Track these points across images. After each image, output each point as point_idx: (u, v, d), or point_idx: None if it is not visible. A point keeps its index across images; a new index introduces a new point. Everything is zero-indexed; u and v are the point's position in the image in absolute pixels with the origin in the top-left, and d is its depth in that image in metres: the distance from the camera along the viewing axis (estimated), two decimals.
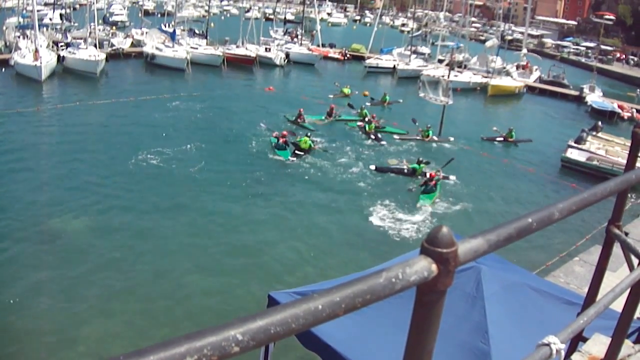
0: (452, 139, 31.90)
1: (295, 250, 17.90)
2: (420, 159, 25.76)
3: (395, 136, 31.42)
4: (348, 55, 64.20)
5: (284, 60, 55.54)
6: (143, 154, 24.99)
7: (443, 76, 38.14)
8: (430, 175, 23.35)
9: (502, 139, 33.33)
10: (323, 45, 64.73)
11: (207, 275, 15.88)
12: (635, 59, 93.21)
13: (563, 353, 2.09)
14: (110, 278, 15.20)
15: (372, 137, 30.95)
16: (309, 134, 27.86)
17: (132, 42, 55.38)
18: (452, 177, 25.17)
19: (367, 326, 6.28)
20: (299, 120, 32.72)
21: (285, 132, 27.67)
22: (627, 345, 3.82)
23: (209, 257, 16.95)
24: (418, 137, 31.28)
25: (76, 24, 55.00)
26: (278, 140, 27.01)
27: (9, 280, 14.62)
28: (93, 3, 47.50)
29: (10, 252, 16.07)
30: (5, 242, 16.61)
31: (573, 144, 30.69)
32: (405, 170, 25.35)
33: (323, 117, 34.14)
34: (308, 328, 1.13)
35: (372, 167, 25.65)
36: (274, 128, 29.18)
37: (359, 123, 32.97)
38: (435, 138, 31.47)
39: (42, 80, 38.18)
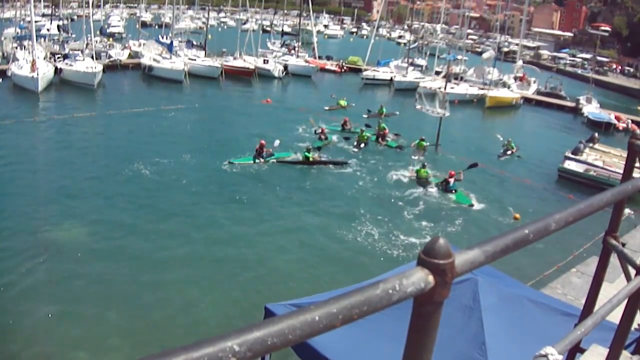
0: (411, 141, 32.26)
1: (292, 262, 17.86)
2: (425, 163, 26.52)
3: (398, 149, 31.66)
4: (345, 68, 64.34)
5: (282, 72, 55.66)
6: (140, 165, 24.97)
7: (440, 88, 38.21)
8: (450, 173, 24.80)
9: (510, 152, 33.44)
10: (320, 58, 64.96)
11: (203, 287, 15.83)
12: (631, 70, 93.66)
13: None
14: (106, 289, 15.14)
15: (359, 144, 31.44)
16: (310, 148, 27.86)
17: (129, 54, 55.48)
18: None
19: (364, 337, 6.26)
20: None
21: (263, 142, 27.62)
22: (625, 357, 3.81)
23: (205, 268, 16.90)
24: (414, 148, 31.42)
25: (74, 36, 55.09)
26: (258, 151, 27.32)
27: (5, 290, 14.56)
28: (91, 15, 47.63)
29: (6, 262, 16.00)
30: (1, 251, 16.55)
31: (570, 155, 30.72)
32: (415, 178, 26.01)
33: (339, 129, 34.26)
34: (305, 339, 1.12)
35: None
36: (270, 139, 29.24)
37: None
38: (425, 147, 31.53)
39: (39, 92, 38.19)
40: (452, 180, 24.61)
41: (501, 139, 34.24)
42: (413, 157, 30.06)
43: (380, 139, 32.66)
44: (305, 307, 1.14)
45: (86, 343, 12.86)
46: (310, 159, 27.25)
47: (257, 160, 26.99)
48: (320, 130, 32.09)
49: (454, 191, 24.60)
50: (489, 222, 22.69)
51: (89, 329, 13.34)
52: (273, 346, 1.07)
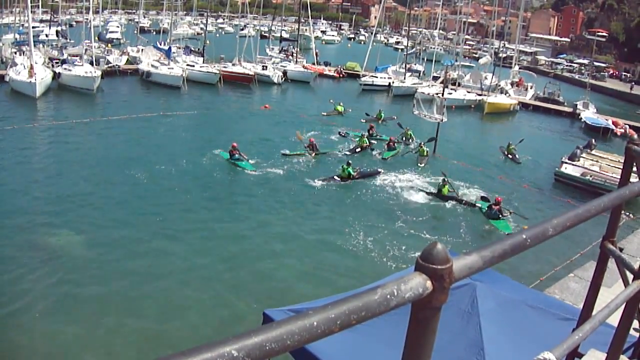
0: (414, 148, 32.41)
1: (290, 268, 17.82)
2: (444, 179, 25.32)
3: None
4: (343, 73, 64.46)
5: (282, 79, 55.74)
6: (138, 171, 24.95)
7: (437, 94, 38.25)
8: (497, 199, 23.04)
9: (513, 157, 33.82)
10: (318, 63, 65.04)
11: (202, 293, 15.79)
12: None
13: None
14: (103, 296, 15.10)
15: (355, 149, 31.46)
16: (350, 162, 26.93)
17: (127, 59, 55.47)
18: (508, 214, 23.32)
19: (362, 343, 6.24)
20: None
21: (234, 144, 27.60)
22: None
23: (204, 274, 16.87)
24: (415, 153, 31.31)
25: (72, 41, 55.18)
26: (231, 153, 27.36)
27: (2, 297, 14.52)
28: (90, 20, 47.70)
29: (4, 268, 15.96)
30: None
31: (567, 160, 30.79)
32: (429, 191, 25.34)
33: (361, 135, 33.60)
34: (303, 345, 1.13)
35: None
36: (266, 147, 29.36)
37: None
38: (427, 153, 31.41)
39: (37, 97, 38.26)
40: (497, 207, 22.65)
41: (513, 146, 34.32)
42: (420, 164, 29.91)
43: (390, 144, 32.16)
44: (304, 312, 1.15)
45: (84, 350, 12.81)
46: (352, 175, 26.21)
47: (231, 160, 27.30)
48: (308, 143, 30.54)
49: (499, 218, 22.56)
50: (485, 227, 22.66)
51: (85, 336, 13.29)
52: (271, 352, 1.07)
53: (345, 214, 22.48)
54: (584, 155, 32.28)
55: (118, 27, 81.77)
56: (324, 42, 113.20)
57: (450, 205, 24.20)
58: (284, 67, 59.13)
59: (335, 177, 26.19)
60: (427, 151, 31.03)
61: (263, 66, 56.43)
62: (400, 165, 29.61)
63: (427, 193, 25.22)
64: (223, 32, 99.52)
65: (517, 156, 33.71)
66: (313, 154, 29.77)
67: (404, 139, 34.33)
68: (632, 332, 3.69)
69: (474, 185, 27.22)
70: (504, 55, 68.84)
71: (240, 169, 26.70)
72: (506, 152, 34.08)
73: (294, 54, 66.19)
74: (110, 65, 51.60)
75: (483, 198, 24.44)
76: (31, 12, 44.37)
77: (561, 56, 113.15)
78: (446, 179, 25.22)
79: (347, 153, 30.61)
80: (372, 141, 32.96)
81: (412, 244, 19.54)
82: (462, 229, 22.05)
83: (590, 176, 28.76)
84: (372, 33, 75.00)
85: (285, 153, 29.54)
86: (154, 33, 70.34)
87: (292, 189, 24.95)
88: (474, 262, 1.47)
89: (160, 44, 58.27)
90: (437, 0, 79.10)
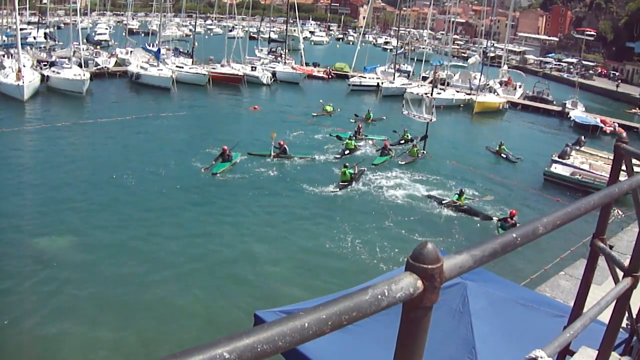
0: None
1: (281, 270, 17.78)
2: (462, 189, 24.72)
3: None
4: (332, 74, 64.45)
5: (271, 79, 55.70)
6: (128, 174, 24.84)
7: (426, 94, 38.33)
8: (512, 212, 22.24)
9: (506, 156, 34.12)
10: (307, 64, 65.00)
11: (193, 295, 15.74)
12: (617, 73, 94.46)
13: None
14: (95, 298, 15.01)
15: (344, 152, 30.96)
16: (347, 164, 26.33)
17: (116, 61, 55.26)
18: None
19: (354, 343, 6.24)
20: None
21: (225, 147, 27.18)
22: (614, 358, 3.82)
23: (194, 277, 16.80)
24: (407, 153, 31.25)
25: (61, 43, 54.93)
26: (222, 154, 27.02)
27: None
28: (78, 22, 47.44)
29: None
30: None
31: (557, 158, 30.95)
32: (445, 201, 24.31)
33: (348, 137, 33.08)
34: (295, 346, 1.12)
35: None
36: (260, 149, 29.40)
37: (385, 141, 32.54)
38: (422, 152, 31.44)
39: (25, 100, 37.97)
40: (511, 221, 21.66)
41: (504, 146, 34.54)
42: (400, 162, 29.86)
43: (384, 149, 31.18)
44: (295, 313, 1.14)
45: (75, 353, 12.74)
46: (353, 176, 25.91)
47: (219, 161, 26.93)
48: (279, 145, 29.61)
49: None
50: (475, 227, 22.72)
51: (77, 339, 13.21)
52: (263, 353, 1.07)
53: (334, 216, 22.44)
54: (573, 152, 32.46)
55: (106, 29, 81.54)
56: (312, 43, 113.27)
57: (443, 208, 23.98)
58: (273, 68, 59.10)
59: (341, 183, 25.58)
60: (417, 151, 31.06)
61: (252, 67, 56.38)
62: (394, 165, 29.65)
63: (442, 203, 24.29)
64: (212, 34, 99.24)
65: (511, 155, 33.91)
66: (274, 156, 29.06)
67: (401, 142, 34.24)
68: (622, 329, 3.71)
69: (466, 184, 27.27)
70: (493, 54, 69.12)
71: (229, 170, 26.58)
72: (498, 152, 34.23)
73: (282, 55, 66.15)
74: (99, 67, 51.39)
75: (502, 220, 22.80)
76: (19, 14, 44.04)
77: (550, 55, 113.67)
78: (462, 191, 24.61)
79: (337, 157, 30.35)
80: (360, 144, 32.86)
81: (404, 246, 19.55)
82: (456, 230, 22.12)
83: (580, 175, 28.91)
84: (360, 33, 75.03)
85: (251, 153, 29.30)
86: (143, 35, 70.16)
87: (282, 192, 24.87)
88: (464, 262, 1.47)
89: (149, 46, 58.12)
90: (426, 0, 79.26)
